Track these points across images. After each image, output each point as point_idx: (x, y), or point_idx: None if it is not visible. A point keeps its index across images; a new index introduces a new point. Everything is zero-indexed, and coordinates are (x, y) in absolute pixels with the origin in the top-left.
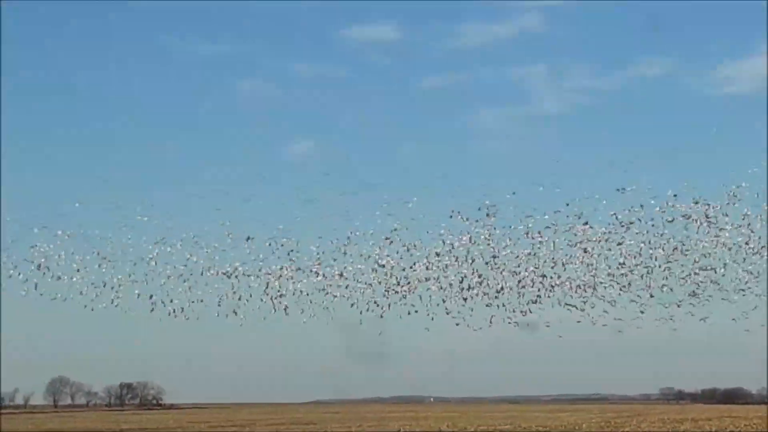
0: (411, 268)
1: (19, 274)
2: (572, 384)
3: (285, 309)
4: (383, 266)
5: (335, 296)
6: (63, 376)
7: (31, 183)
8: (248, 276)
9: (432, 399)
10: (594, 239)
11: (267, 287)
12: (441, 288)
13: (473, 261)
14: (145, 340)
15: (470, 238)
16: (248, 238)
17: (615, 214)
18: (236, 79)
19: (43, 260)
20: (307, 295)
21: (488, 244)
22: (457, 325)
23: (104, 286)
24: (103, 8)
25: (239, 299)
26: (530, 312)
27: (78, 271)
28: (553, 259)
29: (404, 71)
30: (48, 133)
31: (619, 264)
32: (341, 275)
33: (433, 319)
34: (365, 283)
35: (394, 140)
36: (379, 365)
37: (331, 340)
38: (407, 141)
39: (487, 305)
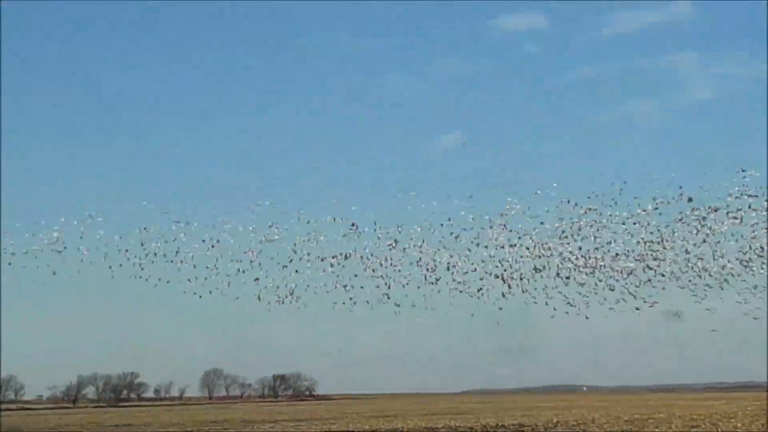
0: (523, 257)
1: (130, 260)
2: (727, 372)
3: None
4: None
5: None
6: (217, 368)
7: (143, 172)
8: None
9: (585, 388)
10: (716, 224)
11: (379, 276)
12: (561, 276)
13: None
14: (298, 332)
15: (579, 227)
16: (352, 224)
17: (732, 195)
18: (384, 74)
19: (155, 245)
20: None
21: (595, 232)
22: (566, 313)
23: (216, 274)
24: (244, 7)
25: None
26: (656, 301)
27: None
28: (669, 244)
29: (553, 61)
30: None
31: (751, 249)
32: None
33: (555, 309)
34: (492, 274)
35: (543, 131)
36: (529, 355)
37: (481, 331)
38: (556, 132)
39: (600, 290)
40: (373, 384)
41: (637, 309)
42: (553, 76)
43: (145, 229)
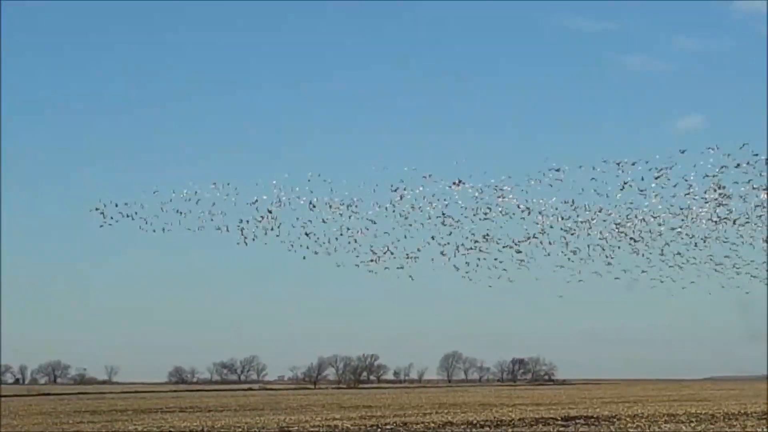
0: None
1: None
2: None
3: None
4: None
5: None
6: (457, 351)
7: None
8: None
9: None
10: None
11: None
12: None
13: None
14: (537, 316)
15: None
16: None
17: None
18: (623, 55)
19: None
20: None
21: None
22: None
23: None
24: None
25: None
26: None
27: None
28: None
29: None
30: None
31: None
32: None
33: None
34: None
35: None
36: None
37: (727, 316)
38: None
39: None
40: (614, 369)
41: None
42: None
43: (373, 222)
